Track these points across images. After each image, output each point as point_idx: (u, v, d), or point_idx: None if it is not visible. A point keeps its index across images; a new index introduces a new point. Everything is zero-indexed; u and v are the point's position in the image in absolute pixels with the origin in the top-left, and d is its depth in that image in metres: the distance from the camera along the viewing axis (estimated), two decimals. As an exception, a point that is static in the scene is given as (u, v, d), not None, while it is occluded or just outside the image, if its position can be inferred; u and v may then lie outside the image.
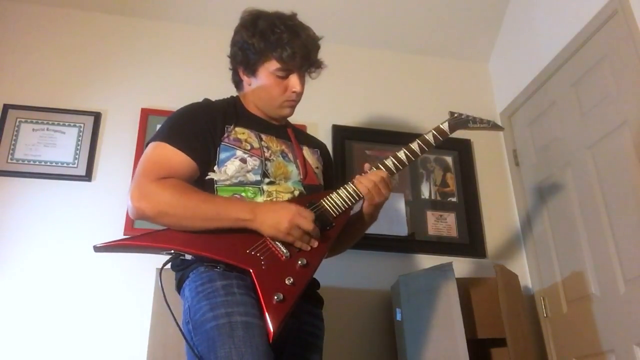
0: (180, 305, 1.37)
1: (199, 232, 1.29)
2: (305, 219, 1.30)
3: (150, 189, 1.29)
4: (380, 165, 1.46)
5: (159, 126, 2.50)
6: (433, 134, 1.50)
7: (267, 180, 1.42)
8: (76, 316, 2.19)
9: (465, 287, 2.08)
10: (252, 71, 1.49)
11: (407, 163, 1.48)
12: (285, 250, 1.29)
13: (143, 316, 2.04)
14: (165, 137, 1.38)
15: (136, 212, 1.29)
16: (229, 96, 1.60)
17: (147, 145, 1.41)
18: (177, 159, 1.35)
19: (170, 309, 1.23)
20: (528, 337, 2.17)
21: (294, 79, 1.48)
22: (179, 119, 1.45)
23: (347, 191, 1.43)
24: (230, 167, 1.40)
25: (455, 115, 1.55)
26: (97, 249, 1.26)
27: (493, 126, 1.63)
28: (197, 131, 1.40)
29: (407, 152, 1.47)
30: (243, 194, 1.39)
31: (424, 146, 1.48)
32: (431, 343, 1.96)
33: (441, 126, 1.51)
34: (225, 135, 1.43)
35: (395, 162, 1.46)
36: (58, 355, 2.12)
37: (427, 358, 1.95)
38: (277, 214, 1.30)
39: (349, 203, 1.42)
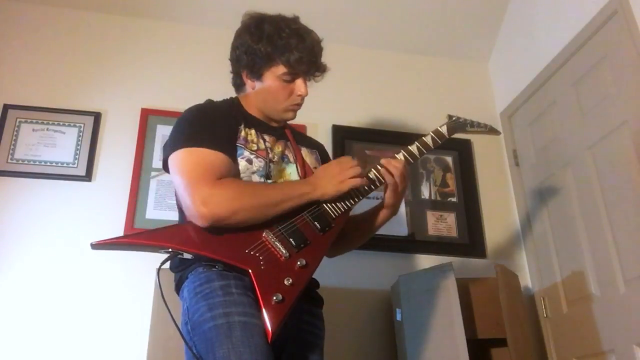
0: (180, 305, 1.36)
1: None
2: (347, 163, 1.39)
3: (214, 192, 1.25)
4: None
5: (159, 126, 2.57)
6: (432, 136, 1.51)
7: (268, 182, 1.42)
8: (76, 316, 2.19)
9: (465, 287, 2.08)
10: (257, 75, 1.48)
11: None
12: (284, 251, 1.29)
13: (143, 316, 2.04)
14: (195, 141, 1.34)
15: (209, 219, 1.24)
16: (228, 97, 1.59)
17: (168, 156, 1.36)
18: (218, 159, 1.33)
19: (168, 308, 1.23)
20: (528, 337, 2.17)
21: (299, 83, 1.48)
22: (200, 121, 1.40)
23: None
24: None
25: (454, 118, 1.56)
26: (94, 246, 1.25)
27: (490, 130, 1.65)
28: (222, 130, 1.39)
29: (405, 154, 1.48)
30: None
31: (422, 149, 1.49)
32: (431, 343, 1.96)
33: (439, 129, 1.51)
34: (237, 134, 1.42)
35: None
36: (58, 355, 2.12)
37: (427, 358, 1.95)
38: (326, 172, 1.39)
39: (349, 204, 1.42)
